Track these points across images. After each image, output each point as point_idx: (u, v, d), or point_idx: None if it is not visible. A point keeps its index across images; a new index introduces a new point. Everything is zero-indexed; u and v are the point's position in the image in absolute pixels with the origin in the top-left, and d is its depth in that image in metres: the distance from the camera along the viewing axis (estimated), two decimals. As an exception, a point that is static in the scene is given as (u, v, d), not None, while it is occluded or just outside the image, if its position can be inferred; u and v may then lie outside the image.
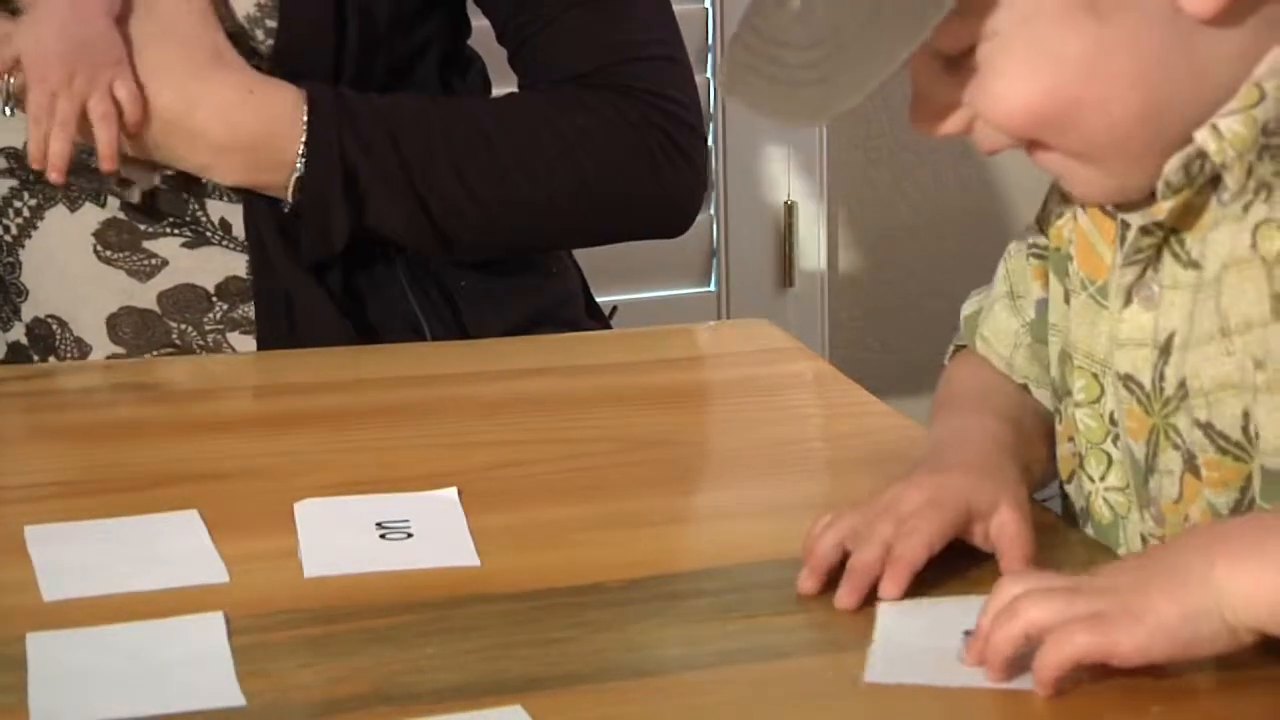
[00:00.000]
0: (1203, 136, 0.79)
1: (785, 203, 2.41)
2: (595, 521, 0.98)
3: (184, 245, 1.29)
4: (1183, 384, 0.84)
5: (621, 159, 1.31)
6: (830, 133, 2.39)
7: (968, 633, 0.78)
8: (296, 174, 1.24)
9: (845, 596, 0.84)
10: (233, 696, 0.77)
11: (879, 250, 2.50)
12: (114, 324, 1.30)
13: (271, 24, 1.26)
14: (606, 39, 1.32)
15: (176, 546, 0.93)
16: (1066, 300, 0.92)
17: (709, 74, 2.33)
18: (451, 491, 0.99)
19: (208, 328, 1.30)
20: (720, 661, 0.80)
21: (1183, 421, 0.85)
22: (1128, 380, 0.87)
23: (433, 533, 0.95)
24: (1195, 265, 0.83)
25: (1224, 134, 0.79)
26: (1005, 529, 0.86)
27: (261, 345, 1.29)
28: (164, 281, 1.30)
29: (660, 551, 0.94)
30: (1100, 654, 0.73)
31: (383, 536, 0.94)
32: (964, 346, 1.04)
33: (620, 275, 1.88)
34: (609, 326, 1.44)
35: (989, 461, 0.90)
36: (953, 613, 0.81)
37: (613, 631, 0.84)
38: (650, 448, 1.09)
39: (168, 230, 1.30)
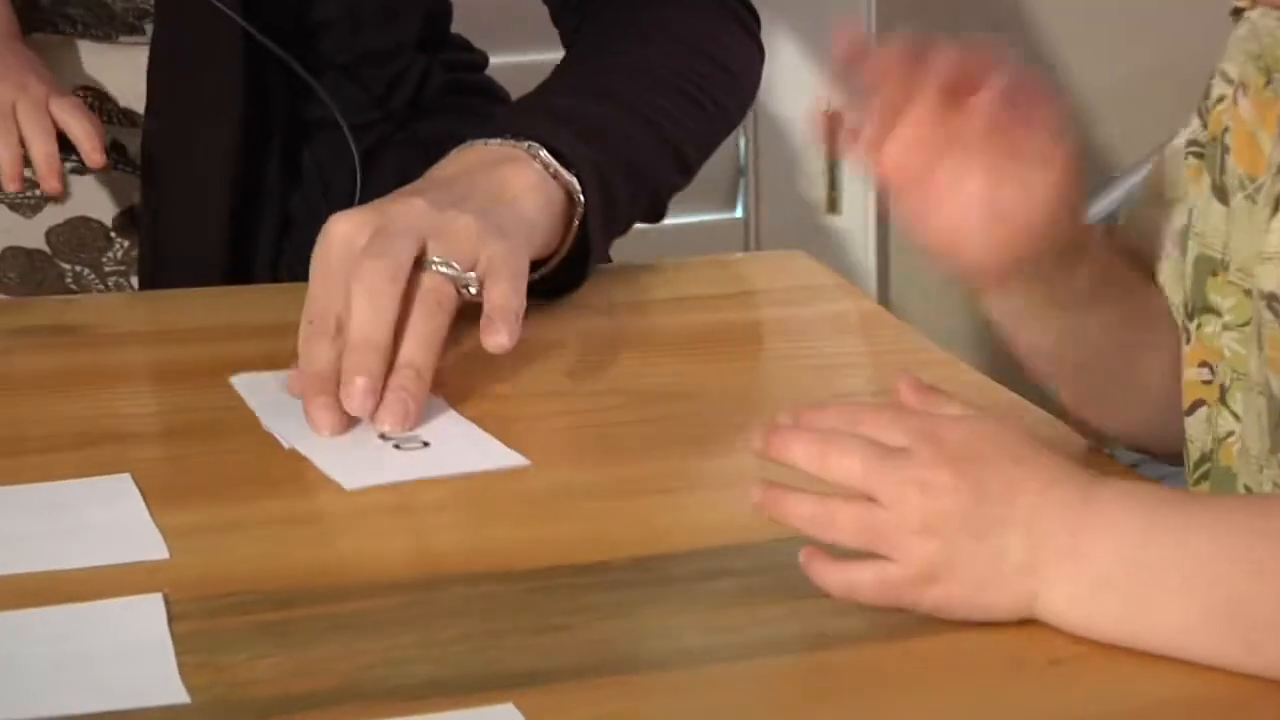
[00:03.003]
0: None
1: (826, 112, 2.42)
2: (600, 489, 0.99)
3: (73, 171, 1.31)
4: None
5: (726, 32, 1.38)
6: (879, 23, 2.39)
7: None
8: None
9: None
10: (174, 692, 0.78)
11: (938, 168, 2.50)
12: None
13: None
14: None
15: (107, 516, 0.94)
16: (1223, 200, 0.93)
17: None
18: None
19: (108, 269, 1.32)
20: (748, 653, 0.82)
21: None
22: (1271, 300, 0.89)
23: (450, 439, 1.03)
24: None
25: None
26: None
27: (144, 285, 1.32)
28: (53, 216, 1.32)
29: (677, 525, 0.96)
30: (890, 604, 0.83)
31: (396, 447, 1.01)
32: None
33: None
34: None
35: None
36: None
37: (620, 618, 0.85)
38: (665, 402, 1.10)
39: None
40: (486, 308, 1.08)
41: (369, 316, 1.05)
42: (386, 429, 1.03)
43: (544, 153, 1.18)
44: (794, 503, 0.84)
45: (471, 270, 1.08)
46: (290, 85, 1.34)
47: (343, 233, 1.09)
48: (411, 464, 1.01)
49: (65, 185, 1.28)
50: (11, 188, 1.27)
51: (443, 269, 1.08)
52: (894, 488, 0.82)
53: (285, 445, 1.03)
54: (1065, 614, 0.81)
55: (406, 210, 1.10)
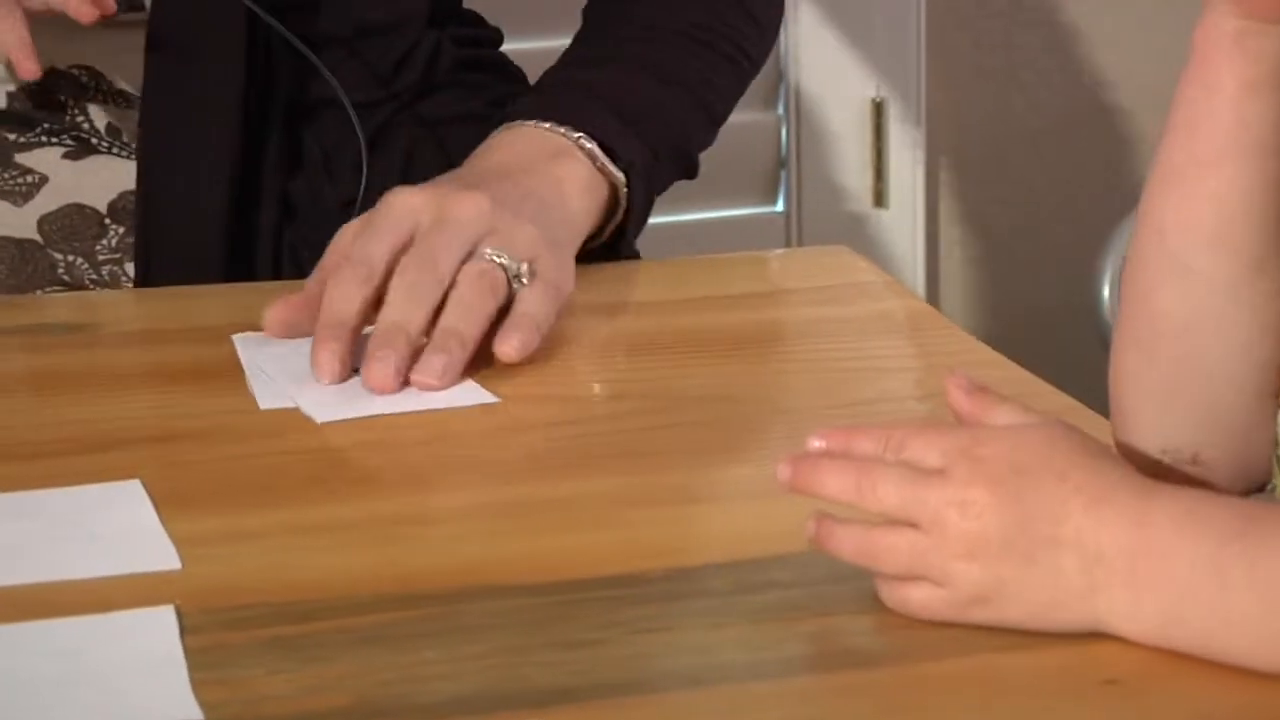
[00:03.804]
0: None
1: (873, 100, 2.42)
2: (633, 497, 0.99)
3: (65, 156, 1.32)
4: None
5: None
6: (929, 11, 2.39)
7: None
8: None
9: None
10: (187, 708, 0.78)
11: (991, 160, 2.50)
12: None
13: None
14: None
15: (115, 524, 0.95)
16: None
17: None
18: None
19: (101, 258, 1.33)
20: (789, 670, 0.82)
21: None
22: None
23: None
24: None
25: None
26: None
27: (142, 279, 1.33)
28: (46, 203, 1.33)
29: (714, 534, 0.97)
30: (941, 619, 0.84)
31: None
32: None
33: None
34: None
35: None
36: None
37: (655, 633, 0.85)
38: (701, 406, 1.11)
39: (43, 140, 1.32)
40: (513, 312, 1.13)
41: (404, 302, 1.11)
42: (419, 384, 1.09)
43: (591, 145, 1.27)
44: (841, 538, 0.85)
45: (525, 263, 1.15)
46: (293, 62, 1.34)
47: (405, 203, 1.15)
48: (383, 400, 1.08)
49: None
50: None
51: (497, 258, 1.14)
52: (932, 512, 0.82)
53: (261, 406, 1.08)
54: (1134, 638, 0.81)
55: (471, 205, 1.16)
